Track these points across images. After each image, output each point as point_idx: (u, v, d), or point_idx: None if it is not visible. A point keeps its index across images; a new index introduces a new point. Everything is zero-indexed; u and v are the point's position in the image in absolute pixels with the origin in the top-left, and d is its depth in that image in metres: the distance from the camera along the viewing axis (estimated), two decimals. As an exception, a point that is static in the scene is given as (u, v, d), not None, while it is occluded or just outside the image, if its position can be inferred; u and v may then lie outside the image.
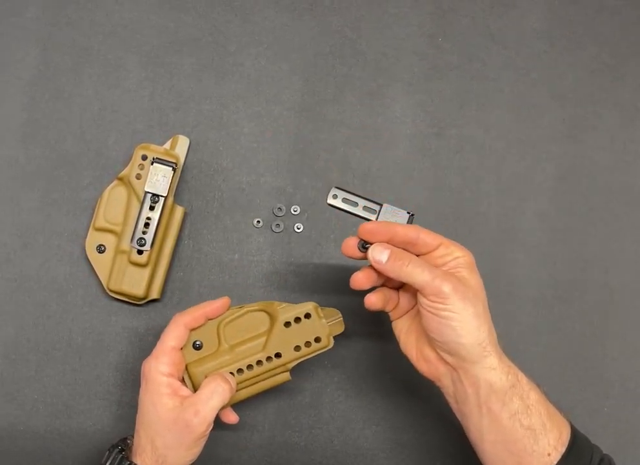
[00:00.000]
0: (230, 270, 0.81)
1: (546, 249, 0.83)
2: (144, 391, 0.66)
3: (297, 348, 0.70)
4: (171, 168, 0.76)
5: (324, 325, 0.70)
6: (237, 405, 0.72)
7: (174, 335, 0.68)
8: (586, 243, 0.83)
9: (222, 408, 0.67)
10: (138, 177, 0.77)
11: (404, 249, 0.65)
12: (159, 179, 0.76)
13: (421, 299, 0.62)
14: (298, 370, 0.79)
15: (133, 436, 0.68)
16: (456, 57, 0.85)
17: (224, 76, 0.83)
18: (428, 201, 0.83)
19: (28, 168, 0.81)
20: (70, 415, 0.78)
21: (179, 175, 0.79)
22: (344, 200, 0.82)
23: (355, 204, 0.82)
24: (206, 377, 0.68)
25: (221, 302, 0.70)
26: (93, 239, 0.78)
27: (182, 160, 0.79)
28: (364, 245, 0.66)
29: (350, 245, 0.66)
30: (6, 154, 0.81)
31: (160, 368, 0.66)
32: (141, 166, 0.77)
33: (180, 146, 0.80)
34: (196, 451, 0.66)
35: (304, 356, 0.70)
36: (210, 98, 0.83)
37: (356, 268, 0.67)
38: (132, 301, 0.78)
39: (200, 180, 0.82)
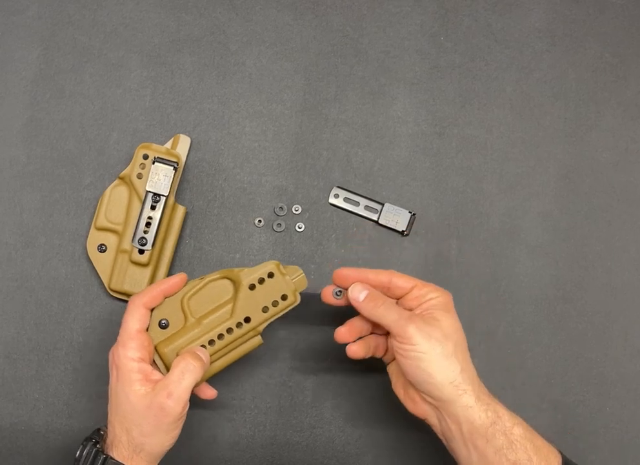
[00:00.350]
0: (232, 269, 0.81)
1: (548, 249, 0.83)
2: (115, 380, 0.65)
3: (265, 309, 0.69)
4: (172, 168, 0.76)
5: (288, 281, 0.70)
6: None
7: (136, 317, 0.66)
8: (588, 242, 0.83)
9: (197, 385, 0.67)
10: (139, 176, 0.77)
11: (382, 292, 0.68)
12: (160, 179, 0.76)
13: (391, 341, 0.65)
14: (300, 368, 0.79)
15: (106, 427, 0.67)
16: (458, 56, 0.85)
17: (225, 75, 0.83)
18: (430, 201, 0.83)
19: (30, 167, 0.81)
20: (71, 414, 0.78)
21: (180, 174, 0.79)
22: (346, 200, 0.82)
23: (357, 203, 0.82)
24: (177, 355, 0.67)
25: (178, 278, 0.69)
26: (94, 238, 0.78)
27: (183, 159, 0.79)
28: (337, 293, 0.69)
29: (327, 294, 0.70)
30: (7, 154, 0.81)
31: (129, 354, 0.65)
32: (142, 166, 0.77)
33: (182, 146, 0.80)
34: (174, 434, 0.64)
35: (273, 315, 0.70)
36: (212, 97, 0.83)
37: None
38: (133, 301, 0.78)
39: (201, 179, 0.82)
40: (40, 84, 0.82)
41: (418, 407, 0.66)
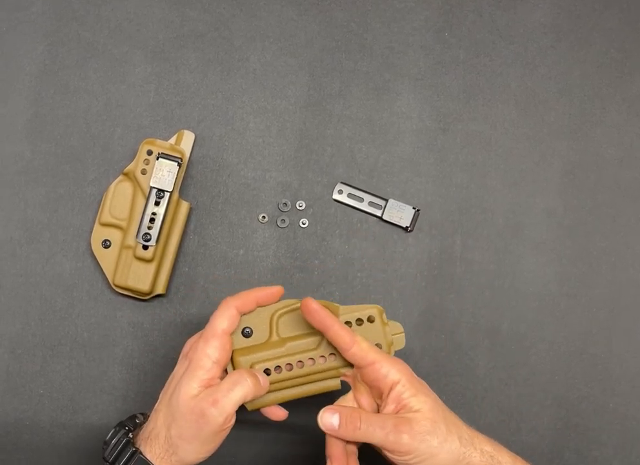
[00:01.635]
0: (235, 265, 0.81)
1: (552, 245, 0.83)
2: (182, 371, 0.62)
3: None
4: (176, 164, 0.76)
5: (387, 333, 0.67)
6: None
7: (225, 317, 0.63)
8: (592, 238, 0.83)
9: (259, 408, 0.65)
10: (143, 172, 0.77)
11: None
12: (165, 175, 0.76)
13: (387, 454, 0.61)
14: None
15: (143, 414, 0.66)
16: (463, 52, 0.85)
17: (229, 71, 0.83)
18: (434, 197, 0.83)
19: (34, 163, 0.81)
20: (75, 410, 0.78)
21: (184, 170, 0.79)
22: (350, 195, 0.82)
23: (361, 199, 0.82)
24: (251, 367, 0.64)
25: (275, 289, 0.66)
26: (98, 234, 0.78)
27: (187, 155, 0.79)
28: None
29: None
30: (12, 149, 0.81)
31: (208, 351, 0.61)
32: (147, 162, 0.77)
33: (186, 141, 0.80)
34: (210, 448, 0.61)
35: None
36: (216, 93, 0.83)
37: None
38: (137, 297, 0.78)
39: (205, 175, 0.82)
40: (45, 79, 0.82)
41: None
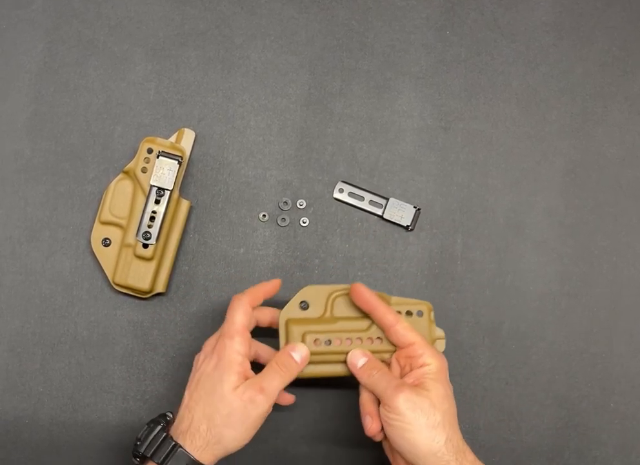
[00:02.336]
0: (236, 264, 0.80)
1: (553, 244, 0.82)
2: (213, 368, 0.66)
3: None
4: (177, 162, 0.76)
5: (432, 331, 0.71)
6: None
7: (242, 313, 0.68)
8: (594, 238, 0.83)
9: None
10: (144, 170, 0.76)
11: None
12: (165, 173, 0.76)
13: (381, 409, 0.66)
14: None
15: (172, 413, 0.68)
16: (464, 51, 0.85)
17: (230, 69, 0.83)
18: (435, 196, 0.82)
19: (34, 161, 0.81)
20: (75, 408, 0.78)
21: (184, 168, 0.79)
22: (351, 194, 0.82)
23: (362, 198, 0.82)
24: (302, 337, 0.69)
25: (276, 281, 0.72)
26: (98, 232, 0.78)
27: (187, 153, 0.79)
28: None
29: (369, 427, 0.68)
30: (11, 147, 0.81)
31: (235, 346, 0.66)
32: (147, 160, 0.76)
33: (186, 140, 0.80)
34: (251, 434, 0.65)
35: None
36: (216, 91, 0.83)
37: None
38: (137, 295, 0.78)
39: (206, 174, 0.81)
40: (45, 77, 0.82)
41: None
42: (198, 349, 0.71)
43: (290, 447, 0.79)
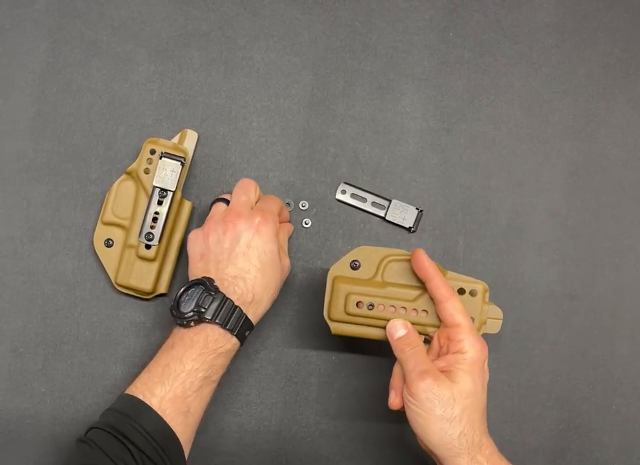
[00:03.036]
0: (238, 265, 0.80)
1: (555, 246, 0.82)
2: (262, 222, 0.69)
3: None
4: (179, 163, 0.76)
5: (484, 311, 0.70)
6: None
7: (253, 188, 0.73)
8: (596, 240, 0.83)
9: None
10: (146, 171, 0.76)
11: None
12: (168, 174, 0.76)
13: (404, 388, 0.65)
14: (305, 364, 0.79)
15: (206, 277, 0.68)
16: (467, 52, 0.85)
17: (233, 70, 0.83)
18: (437, 197, 0.82)
19: (37, 161, 0.81)
20: (77, 409, 0.78)
21: (187, 169, 0.79)
22: (353, 196, 0.82)
23: (364, 200, 0.82)
24: (346, 297, 0.69)
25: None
26: (101, 233, 0.78)
27: (190, 154, 0.79)
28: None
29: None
30: (14, 148, 0.81)
31: (274, 225, 0.70)
32: (150, 161, 0.76)
33: (189, 141, 0.80)
34: (277, 293, 0.71)
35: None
36: (219, 92, 0.83)
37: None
38: (140, 296, 0.78)
39: (208, 174, 0.81)
40: (48, 78, 0.82)
41: (428, 451, 0.67)
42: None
43: (291, 447, 0.79)
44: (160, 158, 0.76)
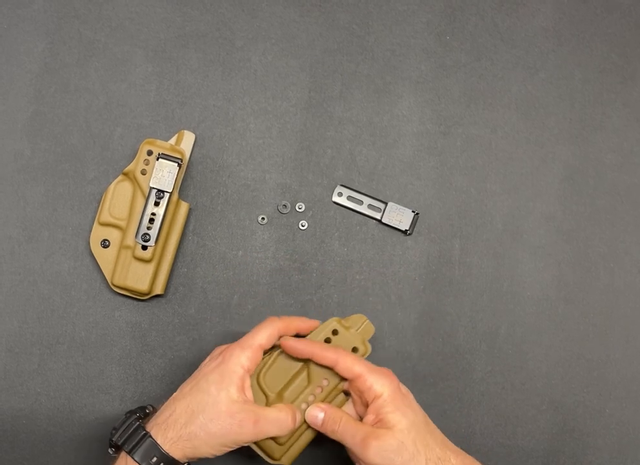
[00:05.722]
0: (234, 266, 0.81)
1: (551, 249, 0.83)
2: (212, 369, 0.66)
3: None
4: (176, 164, 0.76)
5: (354, 334, 0.71)
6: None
7: (266, 334, 0.68)
8: (591, 244, 0.83)
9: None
10: (143, 172, 0.76)
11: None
12: (164, 175, 0.76)
13: (359, 462, 0.65)
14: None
15: (153, 407, 0.68)
16: (464, 56, 0.85)
17: (230, 71, 0.83)
18: (434, 200, 0.83)
19: (34, 161, 0.81)
20: (72, 409, 0.78)
21: (184, 171, 0.79)
22: (349, 198, 0.82)
23: (360, 202, 0.82)
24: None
25: (312, 322, 0.71)
26: (97, 234, 0.78)
27: (187, 156, 0.79)
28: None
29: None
30: (11, 147, 0.81)
31: (242, 359, 0.66)
32: (146, 162, 0.77)
33: (186, 142, 0.80)
34: (225, 450, 0.65)
35: None
36: (216, 93, 0.83)
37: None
38: (136, 297, 0.78)
39: (205, 176, 0.81)
40: (45, 78, 0.82)
41: None
42: (196, 351, 0.71)
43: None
44: (157, 159, 0.76)
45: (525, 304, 0.82)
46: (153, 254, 0.76)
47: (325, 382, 0.69)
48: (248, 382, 0.66)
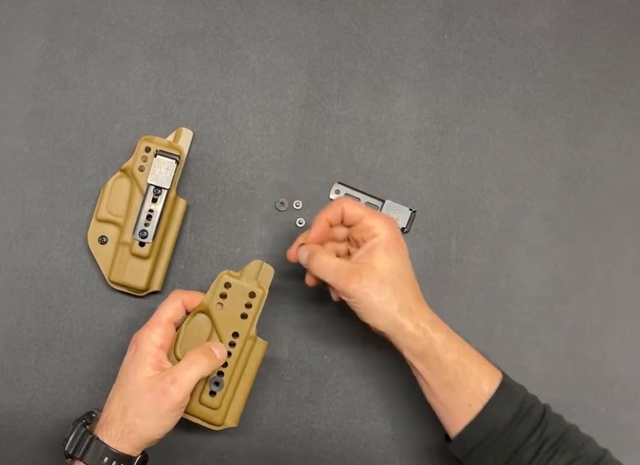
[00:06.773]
0: (231, 263, 0.81)
1: (548, 249, 0.83)
2: (130, 358, 0.68)
3: (244, 315, 0.72)
4: (174, 161, 0.76)
5: (248, 280, 0.72)
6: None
7: (172, 307, 0.69)
8: (588, 243, 0.83)
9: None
10: (141, 169, 0.77)
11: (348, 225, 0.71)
12: (162, 172, 0.76)
13: (340, 293, 0.68)
14: (297, 363, 0.79)
15: (99, 410, 0.69)
16: (462, 55, 0.85)
17: (229, 69, 0.83)
18: (431, 199, 0.83)
19: (32, 158, 0.81)
20: (69, 405, 0.79)
21: (182, 168, 0.79)
22: (347, 196, 0.82)
23: (358, 200, 0.82)
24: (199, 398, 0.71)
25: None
26: (95, 230, 0.78)
27: (185, 153, 0.79)
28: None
29: (292, 253, 0.72)
30: (10, 144, 0.81)
31: (152, 338, 0.67)
32: (144, 158, 0.77)
33: (184, 139, 0.80)
34: (168, 423, 0.66)
35: (254, 315, 0.72)
36: (215, 91, 0.83)
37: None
38: (133, 293, 0.78)
39: (203, 173, 0.82)
40: (44, 75, 0.82)
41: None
42: (192, 348, 0.71)
43: (282, 446, 0.79)
44: (155, 156, 0.76)
45: (522, 303, 0.82)
46: (151, 251, 0.76)
47: (236, 336, 0.72)
48: (163, 357, 0.68)
